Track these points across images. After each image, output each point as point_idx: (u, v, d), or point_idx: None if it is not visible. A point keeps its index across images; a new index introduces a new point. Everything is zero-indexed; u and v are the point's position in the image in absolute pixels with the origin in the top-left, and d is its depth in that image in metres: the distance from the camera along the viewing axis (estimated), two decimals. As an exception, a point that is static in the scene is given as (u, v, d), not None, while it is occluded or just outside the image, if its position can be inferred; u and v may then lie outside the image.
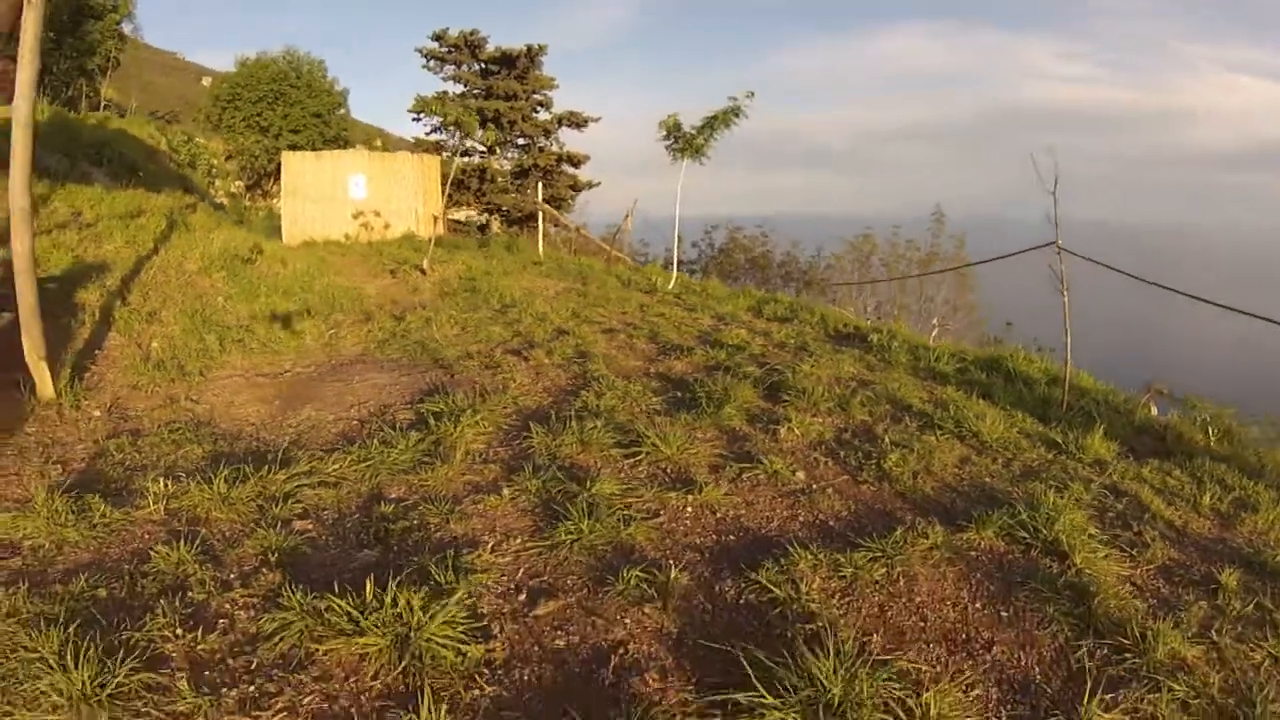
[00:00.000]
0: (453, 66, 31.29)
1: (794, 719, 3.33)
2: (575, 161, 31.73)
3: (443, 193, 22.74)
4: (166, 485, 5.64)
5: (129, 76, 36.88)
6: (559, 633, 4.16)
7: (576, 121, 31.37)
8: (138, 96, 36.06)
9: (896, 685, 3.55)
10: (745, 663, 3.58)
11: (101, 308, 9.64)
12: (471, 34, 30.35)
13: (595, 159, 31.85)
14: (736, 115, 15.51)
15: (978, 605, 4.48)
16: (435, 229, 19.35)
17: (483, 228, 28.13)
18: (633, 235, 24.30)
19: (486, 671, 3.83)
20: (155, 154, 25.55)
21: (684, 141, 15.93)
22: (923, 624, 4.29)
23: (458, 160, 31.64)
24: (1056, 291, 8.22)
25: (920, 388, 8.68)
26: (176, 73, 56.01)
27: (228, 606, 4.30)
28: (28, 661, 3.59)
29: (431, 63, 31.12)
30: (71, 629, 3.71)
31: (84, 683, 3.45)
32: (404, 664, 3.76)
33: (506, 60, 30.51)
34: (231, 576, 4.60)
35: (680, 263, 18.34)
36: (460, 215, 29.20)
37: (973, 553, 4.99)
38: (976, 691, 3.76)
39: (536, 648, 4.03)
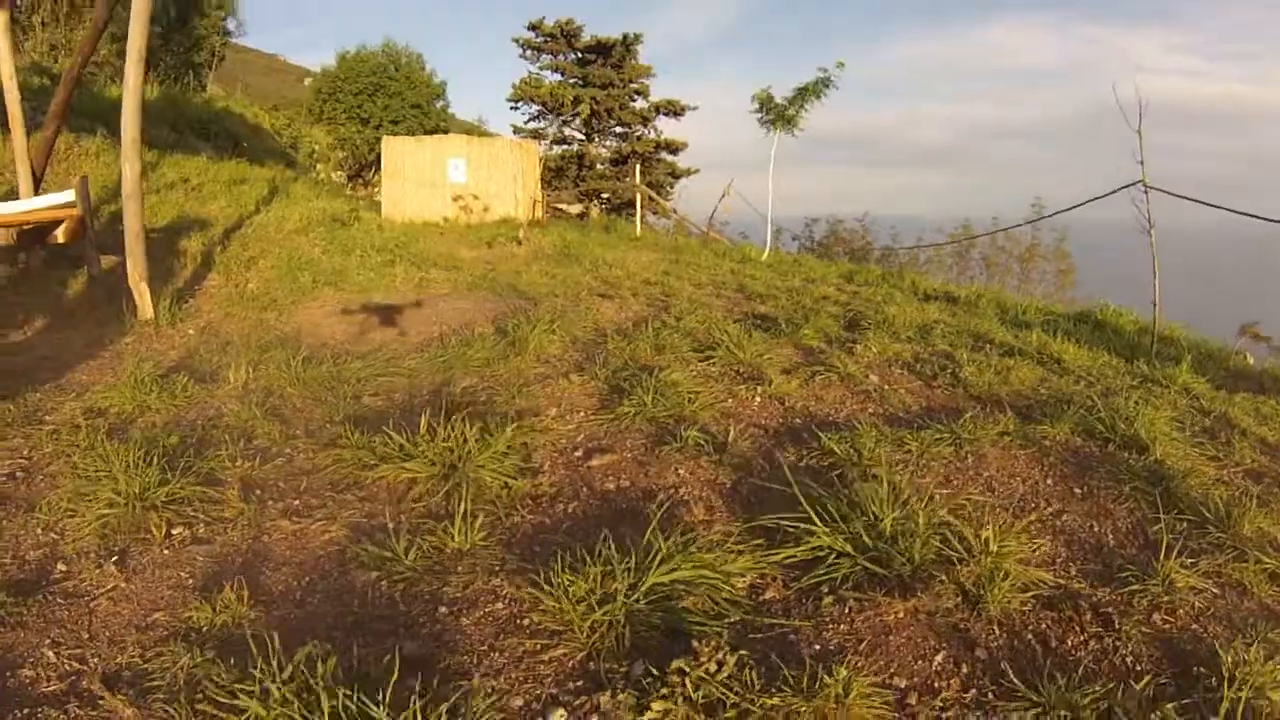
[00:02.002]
0: (549, 56, 31.80)
1: (840, 543, 3.25)
2: (674, 149, 31.77)
3: (541, 178, 22.99)
4: (248, 372, 6.00)
5: (232, 76, 38.56)
6: (610, 478, 4.20)
7: (674, 110, 31.28)
8: (240, 95, 37.67)
9: (954, 521, 3.44)
10: (798, 494, 3.49)
11: (202, 254, 10.14)
12: (567, 23, 30.76)
13: (695, 157, 32.04)
14: (827, 86, 15.38)
15: (1049, 482, 4.30)
16: (534, 213, 19.56)
17: (582, 215, 28.40)
18: (729, 217, 24.09)
19: (531, 503, 3.94)
20: (259, 131, 26.66)
21: (775, 113, 15.87)
22: (989, 493, 4.14)
23: (557, 149, 32.11)
24: (1144, 233, 7.85)
25: (1004, 330, 8.38)
26: (278, 74, 58.03)
27: (289, 450, 4.58)
28: (97, 479, 3.88)
29: (528, 52, 31.70)
30: (138, 454, 3.98)
31: (141, 487, 3.74)
32: (447, 489, 3.91)
33: (602, 49, 30.77)
34: (297, 431, 4.90)
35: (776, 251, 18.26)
36: (562, 205, 29.52)
37: (1046, 441, 4.78)
38: (1044, 546, 3.60)
39: (585, 489, 4.08)
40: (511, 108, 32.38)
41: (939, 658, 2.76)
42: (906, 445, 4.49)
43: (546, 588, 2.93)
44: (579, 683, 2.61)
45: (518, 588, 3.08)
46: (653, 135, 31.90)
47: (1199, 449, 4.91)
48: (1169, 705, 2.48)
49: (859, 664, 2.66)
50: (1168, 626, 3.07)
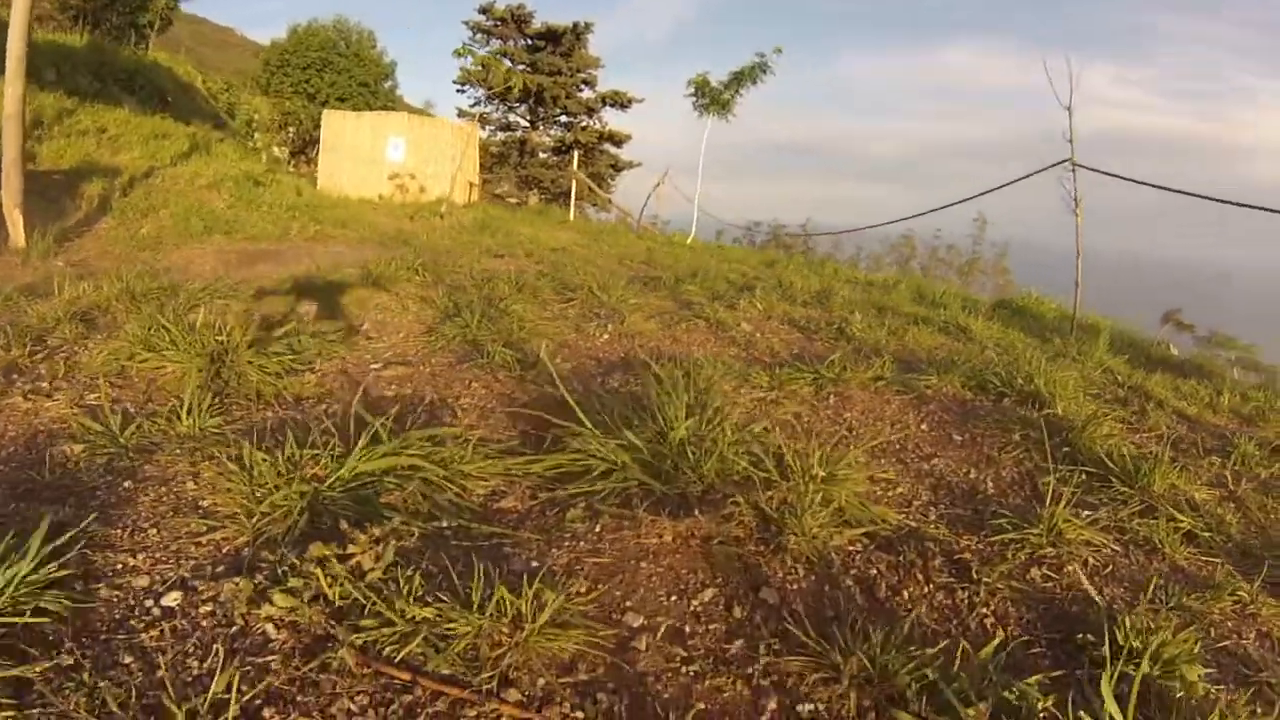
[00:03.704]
0: (499, 41, 30.83)
1: (616, 453, 2.53)
2: (617, 140, 30.94)
3: (481, 163, 22.28)
4: (83, 289, 5.47)
5: (178, 44, 37.11)
6: (392, 387, 3.56)
7: (620, 101, 30.44)
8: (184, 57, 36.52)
9: (771, 439, 2.73)
10: (564, 392, 2.77)
11: (102, 199, 9.35)
12: (518, 8, 29.82)
13: (641, 155, 31.23)
14: (763, 71, 14.94)
15: (924, 428, 3.63)
16: (471, 195, 18.87)
17: (521, 203, 27.64)
18: (670, 215, 23.51)
19: (290, 400, 3.47)
20: (190, 90, 25.46)
21: (711, 97, 15.37)
22: (847, 433, 3.45)
23: (500, 134, 31.29)
24: (1071, 212, 7.40)
25: (916, 306, 7.74)
26: (233, 48, 56.13)
27: (76, 349, 4.20)
28: None
29: (478, 35, 30.71)
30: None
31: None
32: (207, 379, 3.52)
33: (552, 36, 29.83)
34: (99, 336, 4.44)
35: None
36: (502, 195, 28.74)
37: (929, 390, 4.10)
38: (899, 489, 2.93)
39: (362, 394, 3.37)
40: (458, 90, 31.58)
41: (704, 595, 2.04)
42: (755, 381, 3.78)
43: (231, 466, 2.47)
44: (220, 569, 2.16)
45: (218, 471, 2.59)
46: (597, 126, 31.17)
47: (1111, 413, 4.26)
48: (1033, 678, 1.78)
49: (582, 589, 1.93)
50: (1050, 585, 2.42)
